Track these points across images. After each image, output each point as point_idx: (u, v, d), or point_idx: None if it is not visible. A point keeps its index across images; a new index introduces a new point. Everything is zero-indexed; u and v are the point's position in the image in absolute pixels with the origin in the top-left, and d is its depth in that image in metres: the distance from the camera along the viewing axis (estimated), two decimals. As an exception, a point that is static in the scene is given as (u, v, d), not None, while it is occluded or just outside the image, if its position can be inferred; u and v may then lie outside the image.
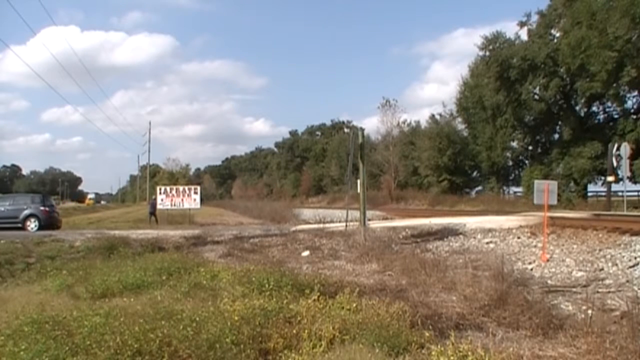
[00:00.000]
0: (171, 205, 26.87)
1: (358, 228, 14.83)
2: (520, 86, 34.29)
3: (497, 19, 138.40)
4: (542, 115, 35.61)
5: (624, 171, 21.17)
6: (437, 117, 48.62)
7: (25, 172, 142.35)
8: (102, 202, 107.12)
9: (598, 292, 7.50)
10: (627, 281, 8.05)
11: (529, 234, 12.92)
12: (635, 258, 9.19)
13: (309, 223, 21.07)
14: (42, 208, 19.47)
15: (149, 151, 53.24)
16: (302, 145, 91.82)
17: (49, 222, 19.19)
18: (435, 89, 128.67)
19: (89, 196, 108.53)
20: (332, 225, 17.84)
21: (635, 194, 30.56)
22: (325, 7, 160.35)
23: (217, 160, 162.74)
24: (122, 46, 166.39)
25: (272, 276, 7.21)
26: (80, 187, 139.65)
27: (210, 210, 47.26)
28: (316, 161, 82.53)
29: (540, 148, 38.51)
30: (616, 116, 33.22)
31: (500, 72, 34.64)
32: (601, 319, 5.79)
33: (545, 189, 10.61)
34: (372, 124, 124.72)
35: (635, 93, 32.20)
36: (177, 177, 54.10)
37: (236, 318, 5.15)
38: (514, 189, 42.21)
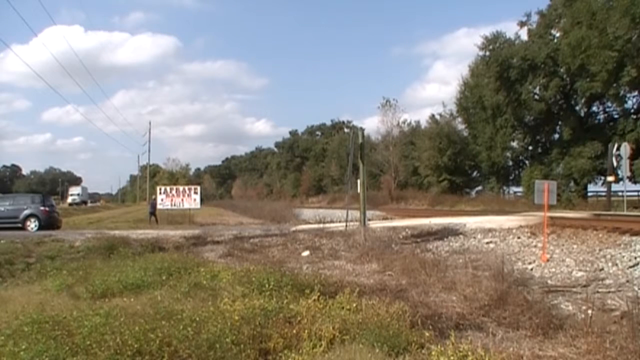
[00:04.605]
0: (171, 205, 26.90)
1: (358, 228, 14.83)
2: (520, 86, 34.26)
3: (500, 18, 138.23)
4: (542, 115, 35.56)
5: (624, 171, 21.18)
6: (437, 117, 48.61)
7: (25, 172, 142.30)
8: (92, 204, 77.50)
9: (598, 292, 7.49)
10: (627, 281, 8.05)
11: (529, 234, 12.91)
12: (635, 258, 9.19)
13: (309, 223, 21.06)
14: (42, 208, 19.49)
15: (149, 151, 53.04)
16: (302, 145, 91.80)
17: (49, 222, 19.21)
18: (437, 88, 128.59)
19: (71, 192, 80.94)
20: (332, 225, 17.82)
21: (635, 194, 30.57)
22: (327, 8, 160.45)
23: (217, 160, 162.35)
24: (124, 46, 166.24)
25: (272, 276, 7.20)
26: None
27: (210, 210, 47.19)
28: (316, 161, 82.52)
29: (540, 148, 38.47)
30: (616, 116, 33.20)
31: (500, 72, 34.61)
32: (601, 319, 5.79)
33: (545, 189, 10.60)
34: (372, 124, 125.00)
35: (635, 93, 32.17)
36: (177, 177, 54.22)
37: (236, 318, 5.15)
38: (514, 189, 42.25)
